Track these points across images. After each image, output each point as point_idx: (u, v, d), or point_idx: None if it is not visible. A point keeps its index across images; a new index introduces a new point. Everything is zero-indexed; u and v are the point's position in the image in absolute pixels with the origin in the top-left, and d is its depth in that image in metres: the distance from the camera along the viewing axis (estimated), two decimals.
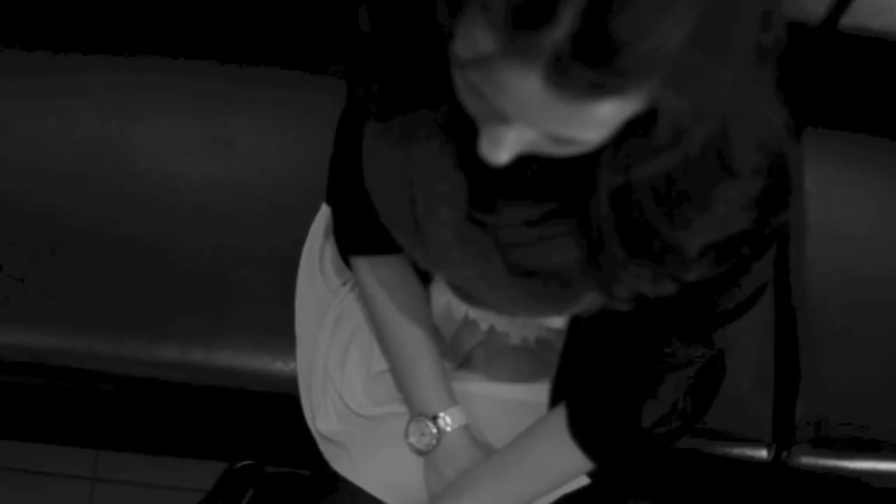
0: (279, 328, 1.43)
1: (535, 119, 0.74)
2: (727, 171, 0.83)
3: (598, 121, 0.72)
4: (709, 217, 0.85)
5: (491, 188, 0.92)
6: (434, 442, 1.22)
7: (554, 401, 1.23)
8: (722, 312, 1.05)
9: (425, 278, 1.25)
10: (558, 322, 1.17)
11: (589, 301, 0.94)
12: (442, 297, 1.25)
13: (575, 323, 1.15)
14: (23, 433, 1.87)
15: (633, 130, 0.77)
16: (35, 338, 1.46)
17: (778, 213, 0.93)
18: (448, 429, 1.21)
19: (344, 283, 1.36)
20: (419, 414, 1.23)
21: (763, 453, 1.51)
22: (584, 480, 1.26)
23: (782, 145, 0.87)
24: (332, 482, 1.26)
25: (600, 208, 0.84)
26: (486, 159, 0.79)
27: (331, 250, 1.37)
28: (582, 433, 1.16)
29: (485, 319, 1.23)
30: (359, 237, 1.22)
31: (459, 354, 1.32)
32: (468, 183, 0.93)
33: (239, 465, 1.75)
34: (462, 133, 0.86)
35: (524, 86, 0.70)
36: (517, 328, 1.25)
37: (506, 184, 0.92)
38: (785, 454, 1.52)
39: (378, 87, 0.95)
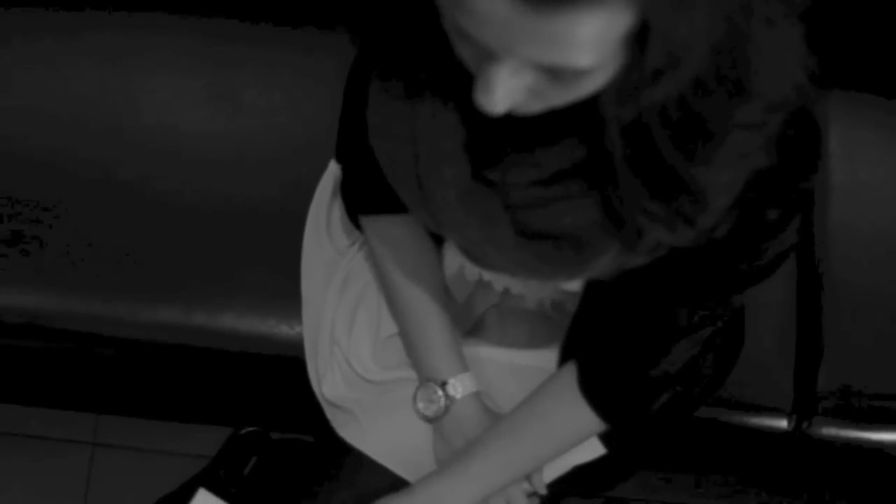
0: (284, 290, 1.40)
1: (517, 44, 0.70)
2: (744, 99, 0.79)
3: (585, 40, 0.68)
4: (725, 151, 0.81)
5: (495, 143, 0.88)
6: (443, 409, 1.20)
7: (563, 360, 1.20)
8: (742, 275, 1.02)
9: (438, 239, 1.23)
10: (575, 284, 1.14)
11: (602, 266, 0.90)
12: (455, 258, 1.23)
13: (591, 285, 1.12)
14: (22, 397, 1.86)
15: (633, 55, 0.72)
16: (32, 299, 1.44)
17: (805, 172, 0.90)
18: (458, 396, 1.20)
19: (352, 244, 1.34)
20: (428, 380, 1.21)
21: (783, 423, 1.49)
22: (599, 450, 1.24)
23: (807, 90, 0.83)
24: (338, 449, 1.25)
25: (613, 148, 0.80)
26: (482, 108, 0.76)
27: (338, 210, 1.35)
28: (591, 390, 1.13)
29: (499, 282, 1.21)
30: (368, 195, 1.19)
31: (472, 318, 1.30)
32: (471, 138, 0.90)
33: (244, 431, 1.76)
34: (463, 88, 0.82)
35: (493, 4, 0.67)
36: (533, 291, 1.22)
37: (510, 138, 0.88)
38: (806, 425, 1.49)
39: (382, 45, 0.93)
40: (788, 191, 0.91)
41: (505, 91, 0.75)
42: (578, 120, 0.81)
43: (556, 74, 0.73)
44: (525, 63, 0.72)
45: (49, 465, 1.89)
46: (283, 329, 1.43)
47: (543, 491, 1.24)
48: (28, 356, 1.53)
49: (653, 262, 0.90)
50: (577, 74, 0.73)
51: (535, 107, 0.77)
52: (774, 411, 1.49)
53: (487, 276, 1.21)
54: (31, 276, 1.44)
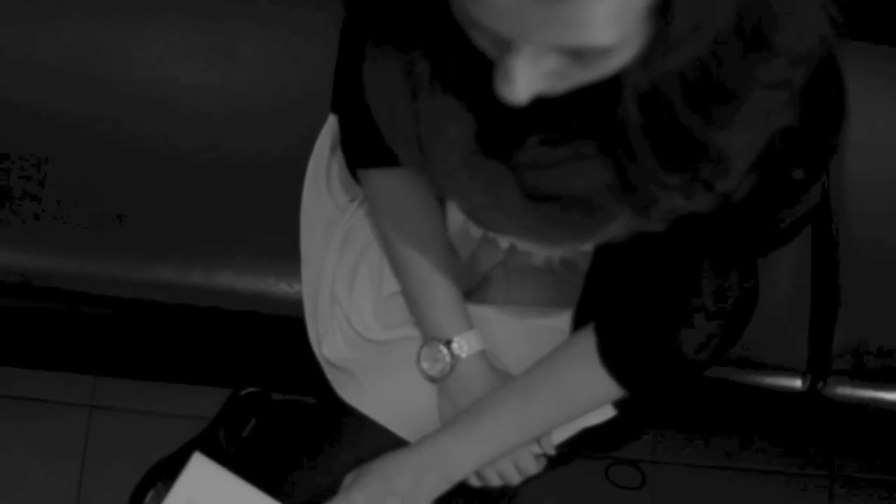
0: (283, 247, 1.38)
1: (533, 30, 0.67)
2: (766, 56, 0.76)
3: (603, 18, 0.66)
4: (748, 111, 0.78)
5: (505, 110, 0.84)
6: (448, 368, 1.18)
7: (576, 326, 1.18)
8: (768, 237, 1.01)
9: None
10: (586, 246, 1.10)
11: (614, 231, 0.87)
12: (459, 213, 1.16)
13: (603, 246, 1.07)
14: (19, 360, 1.85)
15: (658, 26, 0.70)
16: (22, 258, 1.42)
17: (831, 127, 0.87)
18: (463, 355, 1.18)
19: (352, 200, 1.31)
20: (432, 338, 1.19)
21: (797, 383, 1.47)
22: (609, 413, 1.23)
23: (831, 41, 0.80)
24: (339, 411, 1.23)
25: (628, 115, 0.76)
26: (504, 99, 0.73)
27: (338, 165, 1.32)
28: (613, 360, 1.11)
29: (505, 238, 1.17)
30: (367, 148, 1.15)
31: (477, 275, 1.27)
32: (477, 95, 0.86)
33: (243, 392, 1.75)
34: (465, 47, 0.78)
35: None
36: (540, 247, 1.17)
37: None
38: (820, 384, 1.47)
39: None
40: (815, 148, 0.88)
41: (526, 79, 0.72)
42: (593, 87, 0.77)
43: (578, 55, 0.70)
44: (544, 48, 0.70)
45: (47, 428, 1.88)
46: (282, 287, 1.41)
47: (552, 452, 1.22)
48: (21, 316, 1.51)
49: (669, 226, 0.87)
50: (600, 53, 0.70)
51: (560, 87, 0.75)
52: (788, 371, 1.47)
53: (493, 233, 1.16)
54: (21, 235, 1.42)
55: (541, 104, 0.78)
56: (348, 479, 1.15)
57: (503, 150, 0.85)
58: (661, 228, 0.86)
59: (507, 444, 1.15)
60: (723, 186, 0.83)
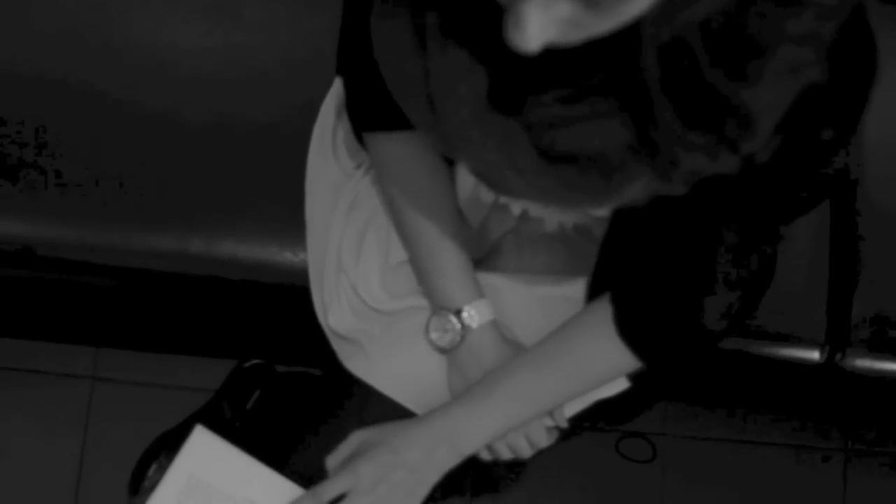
0: (287, 215, 1.37)
1: None
2: (793, 8, 0.73)
3: None
4: (774, 66, 0.75)
5: (518, 64, 0.80)
6: (458, 339, 1.16)
7: (591, 295, 1.17)
8: (794, 202, 0.98)
9: (450, 158, 1.15)
10: (602, 210, 1.10)
11: (633, 193, 0.84)
12: (468, 178, 1.18)
13: (619, 209, 1.07)
14: (20, 331, 1.84)
15: None
16: (21, 226, 1.40)
17: (861, 85, 0.84)
18: (473, 324, 1.16)
19: (359, 166, 1.29)
20: (441, 308, 1.17)
21: (815, 355, 1.46)
22: (623, 385, 1.22)
23: None
24: (346, 383, 1.21)
25: (648, 71, 0.73)
26: (515, 47, 0.70)
27: (344, 130, 1.30)
28: (630, 331, 1.09)
29: (517, 204, 1.17)
30: (374, 110, 1.13)
31: (487, 243, 1.25)
32: (489, 50, 0.83)
33: (248, 364, 1.75)
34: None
35: None
36: (554, 213, 1.17)
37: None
38: (838, 356, 1.46)
39: None
40: (844, 107, 0.85)
41: (538, 26, 0.68)
42: (610, 39, 0.74)
43: (593, 2, 0.67)
44: None
45: (48, 400, 1.88)
46: (287, 256, 1.39)
47: (565, 425, 1.21)
48: (20, 286, 1.50)
49: (690, 189, 0.84)
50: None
51: (574, 37, 0.71)
52: (806, 342, 1.46)
53: (504, 197, 1.16)
54: (19, 203, 1.40)
55: (555, 57, 0.74)
56: (354, 438, 1.13)
57: (516, 107, 0.82)
58: (682, 192, 0.83)
59: (520, 417, 1.13)
60: (748, 147, 0.79)
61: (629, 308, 1.10)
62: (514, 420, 1.13)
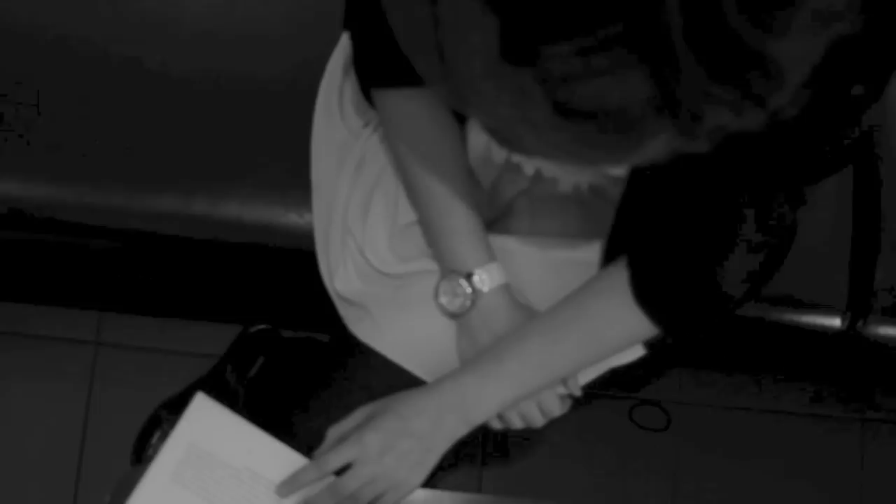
0: (293, 175, 1.35)
1: None
2: None
3: None
4: (804, 16, 0.71)
5: (531, 12, 0.77)
6: (468, 303, 1.14)
7: (607, 258, 1.15)
8: (822, 161, 0.95)
9: (461, 115, 1.15)
10: (619, 169, 1.08)
11: (653, 151, 0.80)
12: (480, 136, 1.16)
13: (638, 168, 1.05)
14: (21, 295, 1.84)
15: None
16: (17, 187, 1.38)
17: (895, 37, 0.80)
18: (484, 288, 1.14)
19: (366, 125, 1.27)
20: (451, 271, 1.15)
21: (836, 322, 1.44)
22: (639, 352, 1.20)
23: None
24: (352, 349, 1.20)
25: (671, 21, 0.68)
26: None
27: (351, 87, 1.28)
28: (647, 295, 1.07)
29: (530, 163, 1.15)
30: (382, 65, 1.11)
31: (499, 205, 1.24)
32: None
33: (253, 329, 1.75)
34: None
35: None
36: (569, 173, 1.15)
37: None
38: (860, 323, 1.44)
39: None
40: (877, 62, 0.82)
41: None
42: None
43: None
44: None
45: (52, 365, 1.88)
46: (292, 218, 1.38)
47: (578, 393, 1.19)
48: (18, 249, 1.47)
49: (713, 147, 0.80)
50: None
51: None
52: (827, 309, 1.44)
53: (517, 157, 1.14)
54: (15, 163, 1.38)
55: (572, 5, 0.70)
56: (359, 413, 1.12)
57: (530, 58, 0.78)
58: (705, 149, 0.80)
59: (533, 386, 1.11)
60: (775, 102, 0.75)
61: (645, 271, 1.07)
62: (525, 388, 1.11)
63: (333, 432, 1.11)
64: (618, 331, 1.11)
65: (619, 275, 1.09)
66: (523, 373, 1.10)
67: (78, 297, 1.81)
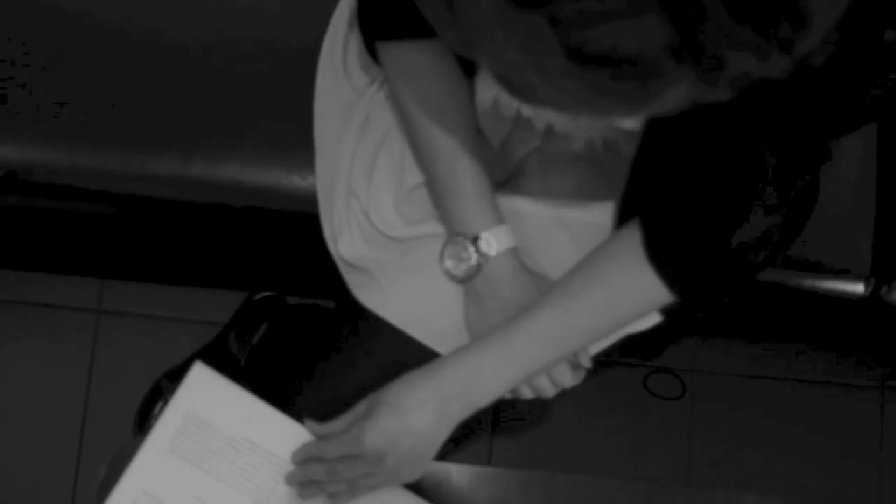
0: (295, 136, 1.34)
1: None
2: None
3: None
4: None
5: None
6: (474, 268, 1.12)
7: (621, 219, 1.12)
8: (847, 115, 0.91)
9: (469, 69, 1.14)
10: (634, 122, 1.04)
11: (672, 100, 0.77)
12: (489, 91, 1.13)
13: (653, 122, 1.02)
14: (20, 262, 1.83)
15: None
16: (10, 150, 1.37)
17: None
18: (492, 253, 1.12)
19: (371, 82, 1.25)
20: (457, 234, 1.13)
21: (859, 288, 1.41)
22: (653, 320, 1.18)
23: None
24: (357, 315, 1.18)
25: None
26: None
27: (356, 43, 1.26)
28: (661, 256, 1.04)
29: (541, 118, 1.11)
30: (387, 16, 1.09)
31: (509, 165, 1.21)
32: None
33: (258, 296, 1.75)
34: None
35: None
36: (582, 128, 1.12)
37: None
38: (884, 290, 1.42)
39: None
40: None
41: None
42: None
43: None
44: None
45: (53, 334, 1.89)
46: (294, 180, 1.36)
47: (588, 366, 1.16)
48: (13, 214, 1.46)
49: (735, 97, 0.78)
50: None
51: None
52: (850, 274, 1.42)
53: (527, 111, 1.11)
54: (8, 125, 1.36)
55: None
56: (360, 406, 1.09)
57: (541, 0, 0.74)
58: (727, 97, 0.77)
59: (543, 362, 1.09)
60: (802, 48, 0.73)
61: (659, 230, 1.05)
62: (536, 366, 1.08)
63: (337, 426, 1.09)
64: (632, 298, 1.08)
65: (632, 236, 1.06)
66: (534, 350, 1.07)
67: (77, 263, 1.80)
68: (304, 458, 1.10)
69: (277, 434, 1.10)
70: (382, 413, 1.05)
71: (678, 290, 1.06)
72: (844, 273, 1.42)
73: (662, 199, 1.05)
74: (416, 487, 1.11)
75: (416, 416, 1.04)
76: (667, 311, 1.16)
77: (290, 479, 1.11)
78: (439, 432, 1.06)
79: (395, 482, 1.09)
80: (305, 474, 1.09)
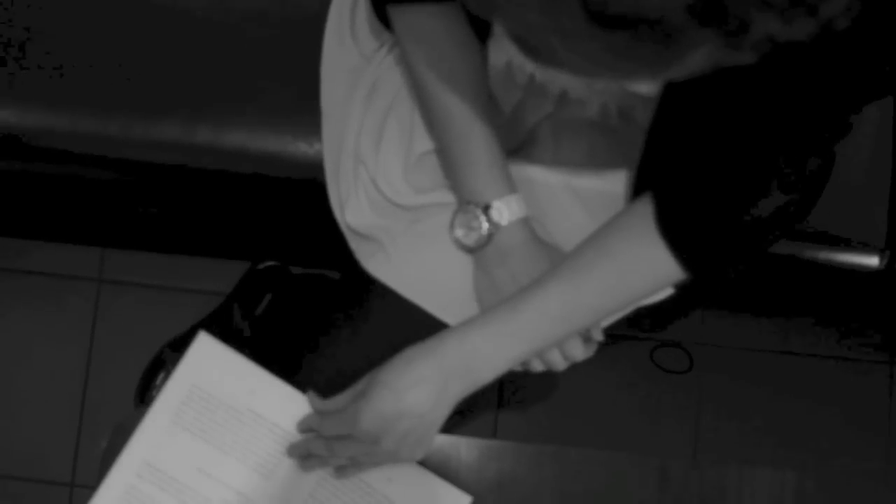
0: (301, 102, 1.32)
1: None
2: None
3: None
4: None
5: None
6: (485, 237, 1.11)
7: (637, 190, 1.10)
8: (871, 84, 0.89)
9: (482, 33, 1.12)
10: (648, 87, 1.02)
11: (693, 64, 0.76)
12: (501, 56, 1.11)
13: (671, 88, 1.00)
14: (20, 230, 1.84)
15: None
16: (10, 114, 1.35)
17: None
18: (503, 222, 1.10)
19: (380, 47, 1.24)
20: (468, 202, 1.11)
21: (874, 261, 1.40)
22: (665, 292, 1.17)
23: None
24: (364, 285, 1.17)
25: None
26: None
27: (364, 7, 1.25)
28: (673, 232, 1.03)
29: (555, 83, 1.09)
30: None
31: (521, 132, 1.19)
32: None
33: (261, 266, 1.73)
34: None
35: None
36: (597, 94, 1.10)
37: None
38: None
39: None
40: None
41: None
42: None
43: None
44: None
45: (54, 304, 1.88)
46: (300, 147, 1.35)
47: (601, 339, 1.15)
48: (13, 180, 1.44)
49: (758, 63, 0.76)
50: None
51: None
52: (864, 247, 1.41)
53: (541, 76, 1.09)
54: (7, 88, 1.35)
55: None
56: (360, 385, 1.07)
57: None
58: (750, 62, 0.75)
59: (550, 339, 1.07)
60: (827, 10, 0.72)
61: (672, 202, 1.03)
62: (543, 342, 1.06)
63: (336, 404, 1.07)
64: (643, 275, 1.06)
65: (645, 210, 1.04)
66: (541, 326, 1.05)
67: (79, 231, 1.79)
68: (305, 429, 1.09)
69: (282, 405, 1.08)
70: (377, 394, 1.02)
71: (690, 267, 1.04)
72: (859, 245, 1.40)
73: (676, 172, 1.03)
74: (423, 460, 1.09)
75: (412, 396, 1.02)
76: (678, 285, 1.13)
77: (292, 452, 1.09)
78: (439, 411, 1.03)
79: (396, 462, 1.07)
80: (307, 448, 1.08)
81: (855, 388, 1.90)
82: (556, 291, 1.05)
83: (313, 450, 1.08)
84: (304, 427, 1.09)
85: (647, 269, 1.06)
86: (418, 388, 1.02)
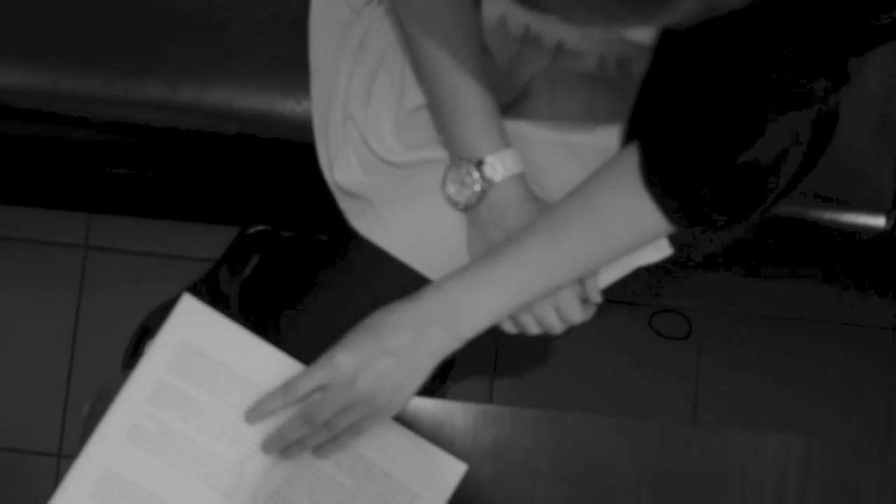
0: (289, 57, 1.31)
1: None
2: None
3: None
4: None
5: None
6: (478, 194, 1.09)
7: (628, 139, 1.08)
8: (867, 30, 0.87)
9: None
10: (645, 34, 1.01)
11: (687, 7, 0.73)
12: (495, 6, 1.10)
13: (667, 36, 0.98)
14: (3, 196, 1.82)
15: None
16: None
17: None
18: (496, 177, 1.08)
19: (369, 1, 1.21)
20: (461, 158, 1.09)
21: (879, 221, 1.39)
22: (663, 252, 1.15)
23: None
24: (353, 245, 1.15)
25: None
26: None
27: None
28: (656, 177, 1.01)
29: (551, 34, 1.08)
30: None
31: (516, 86, 1.18)
32: None
33: (251, 231, 1.71)
34: None
35: None
36: (593, 44, 1.08)
37: None
38: None
39: None
40: None
41: None
42: None
43: None
44: None
45: (39, 270, 1.86)
46: (288, 105, 1.33)
47: (598, 299, 1.13)
48: None
49: (753, 5, 0.74)
50: None
51: None
52: (870, 208, 1.39)
53: (536, 27, 1.07)
54: None
55: None
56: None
57: None
58: (743, 4, 0.73)
59: (532, 291, 1.05)
60: None
61: (657, 149, 1.00)
62: (524, 295, 1.04)
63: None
64: (626, 225, 1.05)
65: (629, 159, 1.03)
66: (520, 276, 1.04)
67: (63, 196, 1.78)
68: (269, 411, 1.05)
69: (268, 368, 1.06)
70: (355, 334, 1.02)
71: (674, 218, 1.02)
72: (864, 206, 1.39)
73: (665, 120, 1.01)
74: (415, 427, 1.08)
75: (391, 336, 1.02)
76: (678, 244, 1.12)
77: (268, 448, 1.06)
78: (418, 356, 1.03)
79: (375, 417, 1.04)
80: (283, 437, 1.05)
81: (858, 352, 1.90)
82: (534, 241, 1.04)
83: (290, 435, 1.05)
84: (271, 407, 1.05)
85: (630, 220, 1.04)
86: (397, 331, 1.02)
